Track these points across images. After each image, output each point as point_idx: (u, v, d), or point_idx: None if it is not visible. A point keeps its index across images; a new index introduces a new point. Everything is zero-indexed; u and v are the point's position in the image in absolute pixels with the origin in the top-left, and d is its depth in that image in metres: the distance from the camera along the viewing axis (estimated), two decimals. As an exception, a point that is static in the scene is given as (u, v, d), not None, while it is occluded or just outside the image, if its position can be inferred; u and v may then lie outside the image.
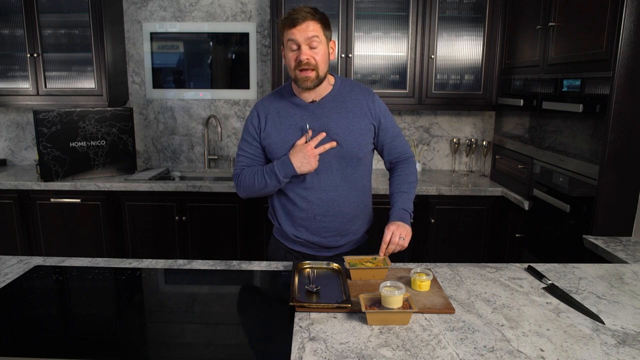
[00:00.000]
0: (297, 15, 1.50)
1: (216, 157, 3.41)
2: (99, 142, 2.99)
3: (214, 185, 2.85)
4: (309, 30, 1.50)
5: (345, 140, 1.61)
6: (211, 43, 3.30)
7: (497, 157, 3.01)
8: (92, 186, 2.84)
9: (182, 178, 3.32)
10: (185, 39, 3.30)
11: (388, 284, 1.24)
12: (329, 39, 1.57)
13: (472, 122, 3.36)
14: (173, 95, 3.37)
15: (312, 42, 1.51)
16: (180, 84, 3.36)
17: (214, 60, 3.33)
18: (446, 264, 1.60)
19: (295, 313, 1.25)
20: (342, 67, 2.98)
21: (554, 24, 2.25)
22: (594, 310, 1.27)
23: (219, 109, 3.38)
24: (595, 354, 1.07)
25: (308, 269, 1.50)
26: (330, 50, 1.59)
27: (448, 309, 1.26)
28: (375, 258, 1.51)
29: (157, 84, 3.36)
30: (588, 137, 2.00)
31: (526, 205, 2.51)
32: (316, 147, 1.57)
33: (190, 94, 3.37)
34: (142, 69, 3.34)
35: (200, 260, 1.63)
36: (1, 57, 3.04)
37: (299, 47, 1.52)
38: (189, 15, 3.26)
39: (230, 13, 3.25)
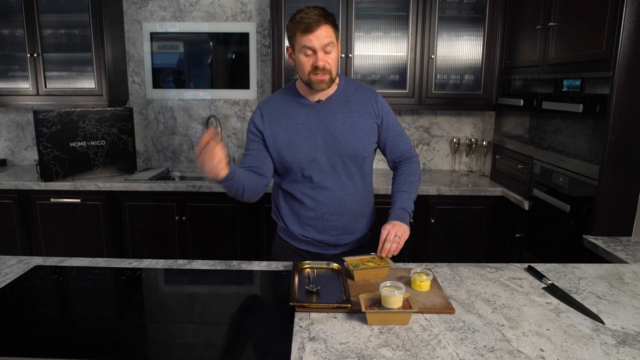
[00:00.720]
0: (310, 19, 1.48)
1: (216, 157, 3.40)
2: (99, 142, 2.99)
3: (214, 185, 2.85)
4: (324, 37, 1.50)
5: (350, 140, 1.62)
6: (211, 43, 3.30)
7: (497, 157, 3.01)
8: (92, 186, 2.84)
9: (182, 178, 3.32)
10: (185, 39, 3.30)
11: (388, 284, 1.24)
12: (338, 38, 1.57)
13: (472, 122, 3.36)
14: (173, 95, 3.37)
15: (327, 48, 1.52)
16: (180, 84, 3.36)
17: (214, 60, 3.33)
18: (446, 264, 1.60)
19: (295, 313, 1.25)
20: (342, 67, 2.98)
21: (554, 24, 2.25)
22: (594, 310, 1.27)
23: (219, 109, 3.38)
24: (595, 354, 1.07)
25: (308, 269, 1.50)
26: (339, 50, 1.59)
27: (448, 309, 1.26)
28: (374, 257, 1.51)
29: (157, 84, 3.36)
30: (588, 137, 2.00)
31: (526, 205, 2.51)
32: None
33: (190, 94, 3.37)
34: (142, 69, 3.34)
35: (200, 260, 1.63)
36: (1, 57, 3.04)
37: (315, 52, 1.51)
38: (189, 15, 3.26)
39: (230, 13, 3.25)
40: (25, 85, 3.06)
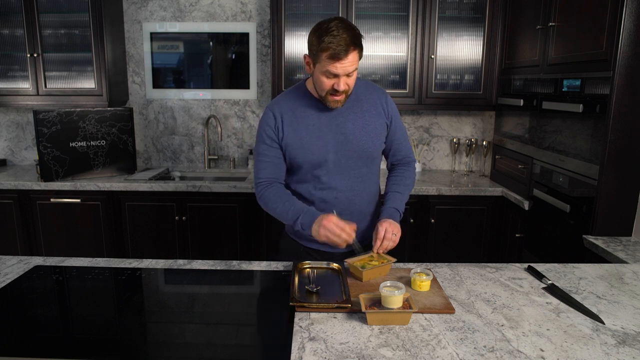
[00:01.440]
0: (338, 46, 1.42)
1: (216, 157, 3.41)
2: (99, 142, 2.99)
3: (214, 185, 2.85)
4: (350, 65, 1.47)
5: (361, 140, 1.62)
6: (211, 43, 3.30)
7: (497, 157, 3.01)
8: (92, 186, 2.84)
9: (182, 178, 3.33)
10: (185, 39, 3.30)
11: (388, 284, 1.24)
12: (361, 57, 1.54)
13: (472, 122, 3.36)
14: (173, 95, 3.37)
15: (350, 73, 1.50)
16: (180, 84, 3.36)
17: (214, 60, 3.33)
18: (446, 264, 1.60)
19: (295, 313, 1.25)
20: (342, 67, 2.97)
21: (554, 24, 2.25)
22: (594, 310, 1.27)
23: (219, 109, 3.38)
24: (595, 354, 1.07)
25: (308, 269, 1.50)
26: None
27: (448, 309, 1.26)
28: (372, 255, 1.52)
29: (157, 84, 3.36)
30: (588, 137, 2.00)
31: (526, 205, 2.51)
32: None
33: (190, 94, 3.37)
34: (142, 69, 3.34)
35: (200, 260, 1.63)
36: (1, 57, 3.04)
37: (337, 76, 1.49)
38: (189, 15, 3.26)
39: (230, 13, 3.25)
40: (25, 85, 3.06)
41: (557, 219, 2.22)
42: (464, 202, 2.86)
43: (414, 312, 1.21)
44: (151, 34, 3.28)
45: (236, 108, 3.38)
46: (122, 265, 1.59)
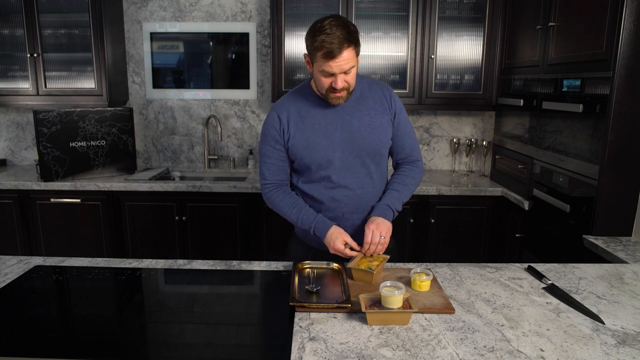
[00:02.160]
0: (331, 44, 1.42)
1: (216, 157, 3.41)
2: (99, 142, 2.99)
3: (214, 185, 2.85)
4: (345, 63, 1.46)
5: (368, 137, 1.61)
6: (211, 43, 3.30)
7: (497, 157, 3.01)
8: (92, 186, 2.84)
9: (182, 178, 3.33)
10: (185, 39, 3.30)
11: (388, 284, 1.24)
12: (358, 54, 1.53)
13: (472, 122, 3.36)
14: (173, 95, 3.37)
15: (347, 70, 1.49)
16: (180, 84, 3.36)
17: (214, 60, 3.33)
18: (446, 264, 1.60)
19: (295, 313, 1.25)
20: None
21: (554, 24, 2.25)
22: (594, 310, 1.27)
23: (219, 109, 3.38)
24: (595, 354, 1.07)
25: (308, 269, 1.50)
26: (358, 60, 1.55)
27: (448, 309, 1.26)
28: (372, 255, 1.51)
29: (157, 84, 3.36)
30: (588, 137, 2.00)
31: (526, 205, 2.51)
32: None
33: (190, 94, 3.37)
34: (142, 69, 3.34)
35: (200, 260, 1.63)
36: (1, 57, 3.04)
37: (334, 75, 1.49)
38: (189, 15, 3.26)
39: (230, 13, 3.25)
40: (25, 85, 3.06)
41: (557, 219, 2.22)
42: (464, 202, 2.86)
43: (414, 312, 1.21)
44: (151, 34, 3.28)
45: (236, 108, 3.38)
46: (122, 265, 1.59)
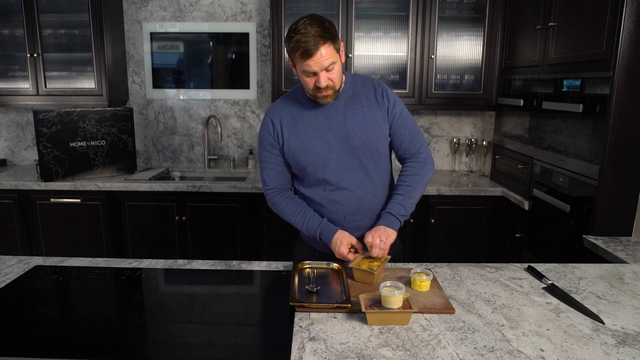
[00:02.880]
0: (307, 43, 1.42)
1: (216, 157, 3.41)
2: (99, 142, 2.99)
3: (214, 185, 2.85)
4: (324, 59, 1.46)
5: (362, 135, 1.59)
6: (211, 43, 3.30)
7: (497, 157, 3.01)
8: (92, 186, 2.84)
9: (182, 178, 3.33)
10: (185, 39, 3.30)
11: (388, 284, 1.24)
12: (339, 49, 1.52)
13: (472, 122, 3.36)
14: (173, 95, 3.37)
15: (328, 67, 1.48)
16: (180, 84, 3.36)
17: (214, 60, 3.33)
18: (446, 264, 1.60)
19: (295, 313, 1.25)
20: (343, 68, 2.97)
21: (554, 24, 2.25)
22: (594, 310, 1.27)
23: (219, 109, 3.38)
24: (595, 354, 1.07)
25: (308, 269, 1.50)
26: (341, 56, 1.55)
27: (448, 309, 1.26)
28: (372, 256, 1.51)
29: (157, 84, 3.36)
30: (588, 137, 2.00)
31: (526, 205, 2.51)
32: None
33: (190, 94, 3.37)
34: (142, 69, 3.34)
35: (200, 260, 1.63)
36: (1, 57, 3.04)
37: (316, 74, 1.49)
38: (189, 15, 3.26)
39: (230, 13, 3.25)
40: (25, 85, 3.06)
41: (557, 219, 2.22)
42: (464, 202, 2.86)
43: (414, 312, 1.21)
44: (151, 34, 3.28)
45: (236, 108, 3.38)
46: (122, 265, 1.59)
